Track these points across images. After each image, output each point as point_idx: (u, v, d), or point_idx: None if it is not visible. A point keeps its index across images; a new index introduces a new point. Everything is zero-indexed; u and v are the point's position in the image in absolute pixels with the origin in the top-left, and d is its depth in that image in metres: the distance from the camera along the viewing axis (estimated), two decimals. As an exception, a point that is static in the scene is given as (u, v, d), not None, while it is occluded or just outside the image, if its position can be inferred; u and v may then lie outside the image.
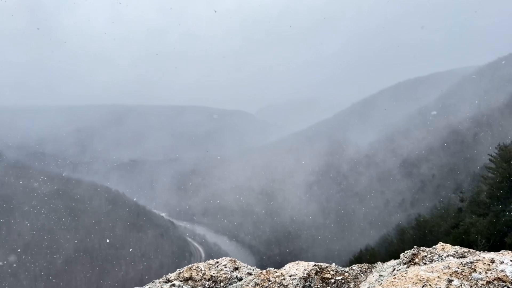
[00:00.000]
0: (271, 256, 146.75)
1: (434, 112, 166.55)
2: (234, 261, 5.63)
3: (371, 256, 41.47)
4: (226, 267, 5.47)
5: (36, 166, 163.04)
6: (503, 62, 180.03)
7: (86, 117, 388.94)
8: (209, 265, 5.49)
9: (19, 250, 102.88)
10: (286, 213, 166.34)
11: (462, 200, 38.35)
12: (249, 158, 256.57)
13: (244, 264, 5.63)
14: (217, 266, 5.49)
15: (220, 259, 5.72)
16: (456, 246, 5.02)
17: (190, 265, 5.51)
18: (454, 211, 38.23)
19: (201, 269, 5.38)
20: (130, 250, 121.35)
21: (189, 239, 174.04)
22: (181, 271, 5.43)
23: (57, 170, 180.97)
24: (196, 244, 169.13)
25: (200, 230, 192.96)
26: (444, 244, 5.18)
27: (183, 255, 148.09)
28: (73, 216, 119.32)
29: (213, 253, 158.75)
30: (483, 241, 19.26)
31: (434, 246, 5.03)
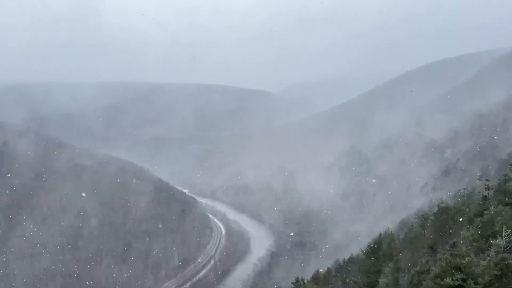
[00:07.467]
0: (289, 235, 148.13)
1: None
2: None
3: (390, 240, 41.54)
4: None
5: (64, 141, 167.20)
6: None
7: (113, 94, 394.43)
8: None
9: (46, 221, 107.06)
10: (306, 194, 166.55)
11: (487, 188, 37.56)
12: (271, 137, 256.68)
13: None
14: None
15: None
16: None
17: None
18: (479, 198, 37.56)
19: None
20: (153, 224, 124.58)
21: (210, 216, 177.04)
22: None
23: (84, 145, 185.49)
24: (216, 221, 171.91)
25: (221, 207, 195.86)
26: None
27: (204, 231, 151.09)
28: (98, 190, 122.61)
29: (233, 230, 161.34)
30: (508, 231, 19.03)
31: None
